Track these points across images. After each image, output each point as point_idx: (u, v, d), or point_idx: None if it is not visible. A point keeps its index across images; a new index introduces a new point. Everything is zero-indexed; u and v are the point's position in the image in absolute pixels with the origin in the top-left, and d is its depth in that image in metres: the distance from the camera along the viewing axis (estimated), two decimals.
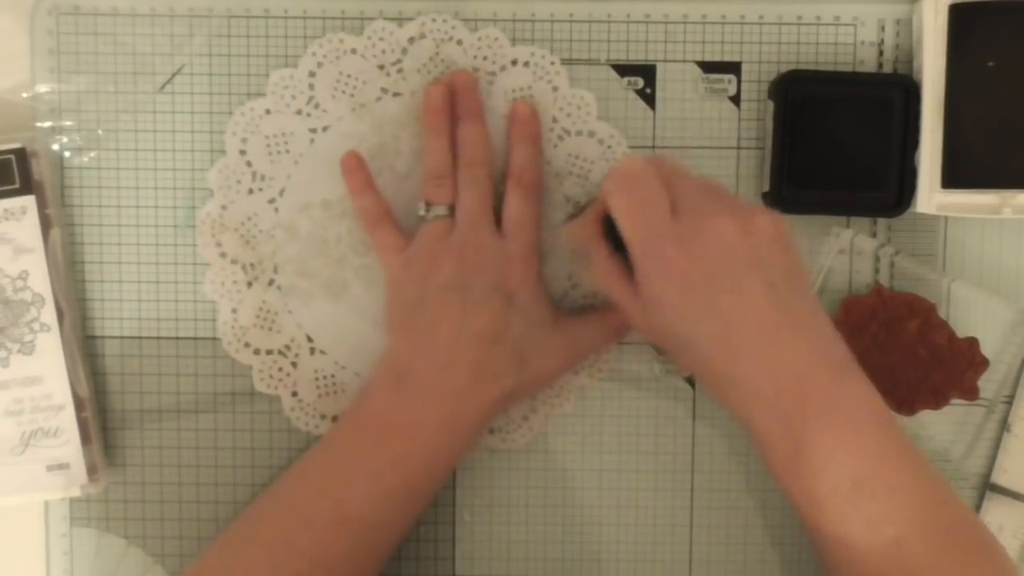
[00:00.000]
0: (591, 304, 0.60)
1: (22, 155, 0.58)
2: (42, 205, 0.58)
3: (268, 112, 0.60)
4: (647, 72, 0.60)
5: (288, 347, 0.60)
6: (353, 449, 0.55)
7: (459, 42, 0.59)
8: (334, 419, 0.60)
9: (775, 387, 0.49)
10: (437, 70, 0.59)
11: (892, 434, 0.50)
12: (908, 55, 0.60)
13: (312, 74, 0.59)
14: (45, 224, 0.58)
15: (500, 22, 0.59)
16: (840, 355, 0.50)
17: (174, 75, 0.60)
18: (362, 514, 0.53)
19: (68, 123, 0.60)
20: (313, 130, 0.60)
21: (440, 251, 0.56)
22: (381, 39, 0.59)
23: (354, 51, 0.59)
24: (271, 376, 0.60)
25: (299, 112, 0.60)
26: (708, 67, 0.60)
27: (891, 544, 0.48)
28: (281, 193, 0.60)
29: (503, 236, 0.56)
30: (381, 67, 0.60)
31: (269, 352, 0.60)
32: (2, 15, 0.59)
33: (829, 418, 0.49)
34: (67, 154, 0.60)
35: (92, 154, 0.60)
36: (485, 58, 0.60)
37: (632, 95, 0.60)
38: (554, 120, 0.60)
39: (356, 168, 0.59)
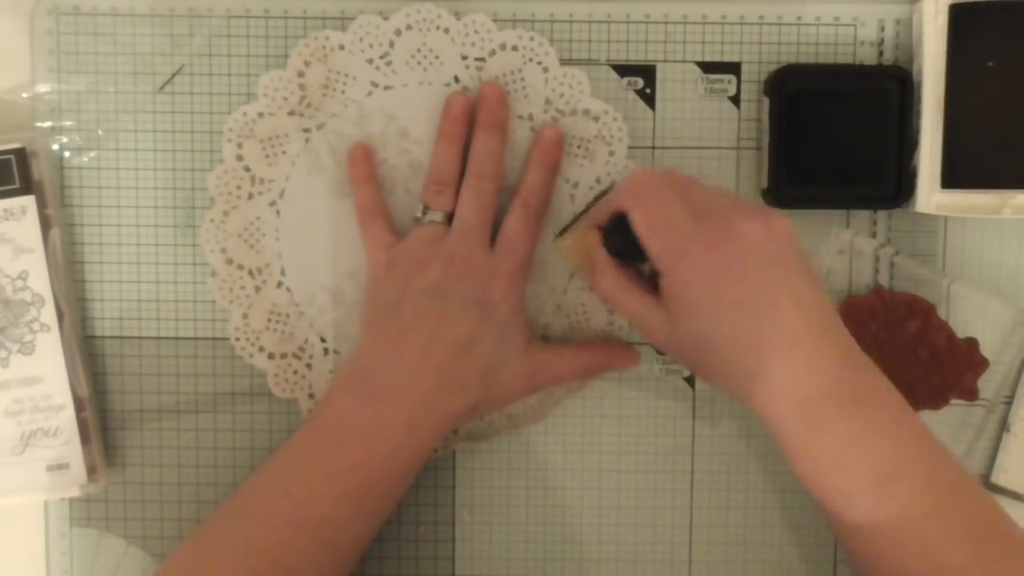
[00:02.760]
0: (580, 325, 0.60)
1: (22, 155, 0.58)
2: (42, 205, 0.58)
3: (261, 115, 0.59)
4: (647, 72, 0.60)
5: (303, 349, 0.60)
6: (313, 451, 0.54)
7: (446, 30, 0.59)
8: None
9: (798, 383, 0.50)
10: (426, 60, 0.59)
11: (911, 423, 0.51)
12: (908, 55, 0.60)
13: (301, 74, 0.59)
14: (45, 224, 0.58)
15: (500, 22, 0.59)
16: (854, 351, 0.51)
17: (174, 75, 0.60)
18: (321, 515, 0.53)
19: (68, 123, 0.60)
20: (307, 130, 0.60)
21: (427, 256, 0.56)
22: (368, 33, 0.59)
23: (341, 47, 0.59)
24: (287, 380, 0.60)
25: (292, 113, 0.60)
26: (708, 67, 0.60)
27: (915, 535, 0.49)
28: (281, 195, 0.60)
29: (495, 252, 0.56)
30: (370, 61, 0.60)
31: (284, 356, 0.60)
32: (2, 15, 0.59)
33: (851, 411, 0.49)
34: (67, 154, 0.60)
35: (92, 154, 0.60)
36: (473, 44, 0.59)
37: (632, 95, 0.60)
38: (547, 102, 0.59)
39: (361, 160, 0.59)
